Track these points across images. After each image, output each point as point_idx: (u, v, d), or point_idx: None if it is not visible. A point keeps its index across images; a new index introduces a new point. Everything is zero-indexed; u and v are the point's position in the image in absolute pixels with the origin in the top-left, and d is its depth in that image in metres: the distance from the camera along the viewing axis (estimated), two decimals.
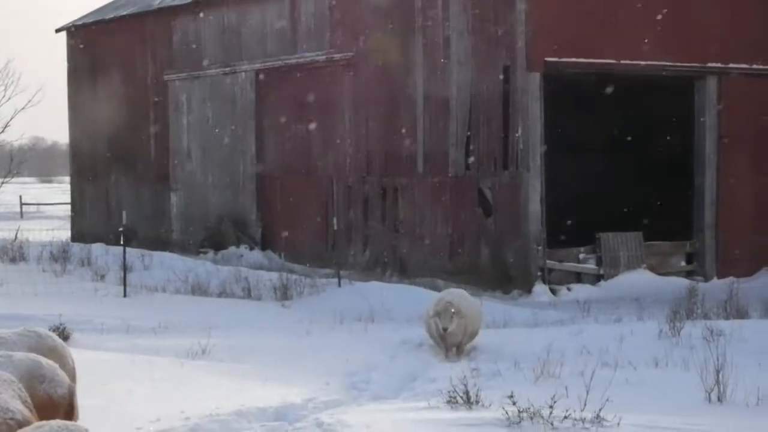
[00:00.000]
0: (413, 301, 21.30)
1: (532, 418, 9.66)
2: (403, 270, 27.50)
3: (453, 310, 14.90)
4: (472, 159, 26.60)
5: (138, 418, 9.31)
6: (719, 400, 11.18)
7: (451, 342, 15.24)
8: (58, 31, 40.89)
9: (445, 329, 14.80)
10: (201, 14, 34.14)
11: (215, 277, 25.38)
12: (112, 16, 38.33)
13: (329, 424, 9.97)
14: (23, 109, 43.08)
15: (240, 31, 33.02)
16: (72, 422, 6.71)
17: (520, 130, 25.45)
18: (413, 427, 9.70)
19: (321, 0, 30.47)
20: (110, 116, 37.21)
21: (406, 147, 28.20)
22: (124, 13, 37.74)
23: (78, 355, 13.89)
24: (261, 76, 32.62)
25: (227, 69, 33.40)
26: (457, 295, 16.01)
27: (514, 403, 9.76)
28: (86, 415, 9.53)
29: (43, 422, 6.34)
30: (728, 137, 27.30)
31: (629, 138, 29.42)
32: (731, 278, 25.15)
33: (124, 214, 24.91)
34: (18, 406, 6.92)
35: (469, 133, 26.62)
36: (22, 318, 17.32)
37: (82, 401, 10.19)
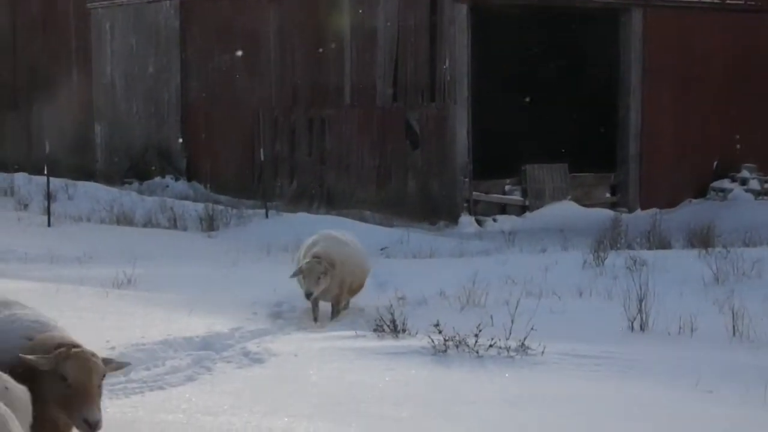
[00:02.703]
0: None
1: (457, 347, 9.74)
2: (330, 202, 27.48)
3: (321, 271, 12.35)
4: (399, 91, 26.60)
5: None
6: (642, 328, 11.36)
7: (321, 300, 12.91)
8: None
9: (308, 295, 12.34)
10: None
11: (140, 207, 25.21)
12: None
13: (256, 353, 9.98)
14: None
15: None
16: None
17: (447, 62, 25.41)
18: (340, 356, 9.76)
19: None
20: (31, 45, 36.63)
21: (333, 78, 28.07)
22: None
23: (1, 284, 13.80)
24: (185, 5, 32.21)
25: None
26: (335, 242, 13.22)
27: (440, 332, 9.85)
28: None
29: None
30: (652, 70, 27.52)
31: (555, 70, 29.52)
32: (654, 209, 25.48)
33: (46, 143, 24.54)
34: None
35: (396, 65, 26.59)
36: None
37: None
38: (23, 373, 5.73)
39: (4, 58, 38.08)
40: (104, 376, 5.84)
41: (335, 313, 13.03)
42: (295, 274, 12.60)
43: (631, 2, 27.23)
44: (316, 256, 12.49)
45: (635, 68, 27.49)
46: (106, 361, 5.97)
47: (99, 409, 5.64)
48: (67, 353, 5.80)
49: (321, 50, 28.25)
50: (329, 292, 12.74)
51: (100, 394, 5.75)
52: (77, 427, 5.63)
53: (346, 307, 13.42)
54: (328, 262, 12.40)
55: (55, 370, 5.71)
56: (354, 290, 13.38)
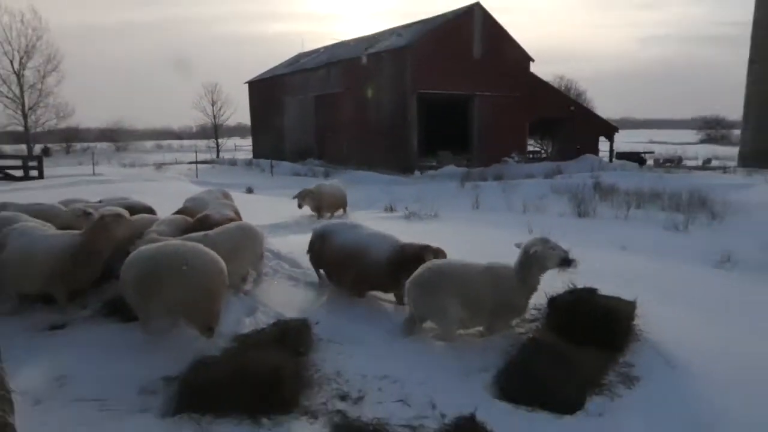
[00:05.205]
0: None
1: (414, 215, 8.63)
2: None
3: (305, 194, 8.74)
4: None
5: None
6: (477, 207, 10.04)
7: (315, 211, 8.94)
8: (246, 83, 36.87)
9: (299, 206, 8.58)
10: None
11: (299, 170, 22.78)
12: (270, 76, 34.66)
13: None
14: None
15: None
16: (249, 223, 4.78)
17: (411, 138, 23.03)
18: (376, 218, 8.56)
19: None
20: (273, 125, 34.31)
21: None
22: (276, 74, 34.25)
23: (246, 197, 11.76)
24: (316, 100, 29.46)
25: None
26: (323, 186, 9.14)
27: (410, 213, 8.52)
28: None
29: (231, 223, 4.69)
30: (483, 120, 25.20)
31: (454, 118, 27.13)
32: (483, 167, 22.58)
33: (269, 148, 24.77)
34: (230, 213, 5.57)
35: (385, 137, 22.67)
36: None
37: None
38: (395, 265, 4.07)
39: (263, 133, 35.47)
40: None
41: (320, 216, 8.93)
42: (295, 196, 8.90)
43: (473, 94, 25.42)
44: (308, 190, 8.88)
45: (477, 120, 25.77)
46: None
47: None
48: (433, 250, 4.15)
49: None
50: (311, 205, 8.93)
51: None
52: None
53: (344, 214, 9.32)
54: (314, 192, 8.89)
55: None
56: (333, 206, 9.16)
